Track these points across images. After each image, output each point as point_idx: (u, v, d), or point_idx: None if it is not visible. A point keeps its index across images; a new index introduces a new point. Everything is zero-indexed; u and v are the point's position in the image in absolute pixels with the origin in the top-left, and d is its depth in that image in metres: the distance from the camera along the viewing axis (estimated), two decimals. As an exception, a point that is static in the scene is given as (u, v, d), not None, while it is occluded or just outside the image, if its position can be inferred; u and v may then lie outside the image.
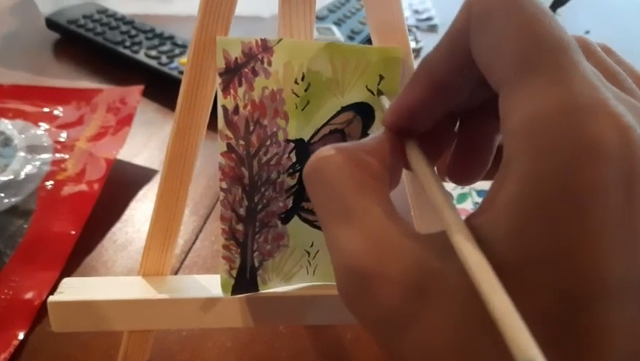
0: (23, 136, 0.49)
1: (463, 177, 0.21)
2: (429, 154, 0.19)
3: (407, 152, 0.19)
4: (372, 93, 0.26)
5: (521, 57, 0.14)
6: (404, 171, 0.27)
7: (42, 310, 0.35)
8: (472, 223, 0.14)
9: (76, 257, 0.40)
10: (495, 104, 0.15)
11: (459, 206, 0.46)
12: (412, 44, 0.25)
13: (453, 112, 0.19)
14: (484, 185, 0.48)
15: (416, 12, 0.82)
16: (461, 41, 0.16)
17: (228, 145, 0.24)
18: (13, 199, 0.43)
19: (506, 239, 0.13)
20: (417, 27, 0.78)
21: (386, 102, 0.25)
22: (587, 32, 0.76)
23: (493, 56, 0.15)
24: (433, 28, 0.78)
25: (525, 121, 0.13)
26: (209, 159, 0.35)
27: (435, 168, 0.19)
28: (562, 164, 0.12)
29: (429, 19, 0.80)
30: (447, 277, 0.14)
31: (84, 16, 0.67)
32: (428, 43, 0.72)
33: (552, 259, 0.12)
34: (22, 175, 0.45)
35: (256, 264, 0.26)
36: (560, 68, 0.13)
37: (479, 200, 0.47)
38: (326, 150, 0.17)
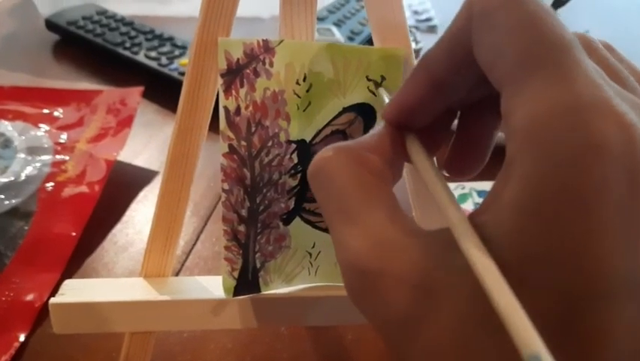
0: (23, 137, 0.49)
1: (460, 171, 0.21)
2: (428, 147, 0.19)
3: (407, 146, 0.19)
4: (374, 94, 0.26)
5: (524, 56, 0.14)
6: (406, 172, 0.27)
7: (43, 312, 0.35)
8: (475, 221, 0.14)
9: (77, 259, 0.40)
10: (494, 100, 0.15)
11: (463, 206, 0.46)
12: (412, 45, 0.25)
13: (452, 106, 0.20)
14: (485, 185, 0.48)
15: (415, 13, 0.82)
16: (462, 40, 0.16)
17: (230, 146, 0.24)
18: (13, 201, 0.43)
19: (510, 238, 0.13)
20: (416, 28, 0.78)
21: (385, 95, 0.25)
22: (587, 32, 0.76)
23: (495, 55, 0.15)
24: (432, 29, 0.78)
25: (528, 120, 0.13)
26: (209, 160, 0.35)
27: (435, 161, 0.19)
28: (565, 163, 0.12)
29: (428, 19, 0.80)
30: (452, 275, 0.14)
31: (84, 18, 0.67)
32: (428, 43, 0.72)
33: (555, 258, 0.12)
34: (23, 177, 0.45)
35: (258, 265, 0.26)
36: (562, 66, 0.13)
37: (480, 200, 0.47)
38: (328, 150, 0.18)
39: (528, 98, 0.14)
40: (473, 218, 0.15)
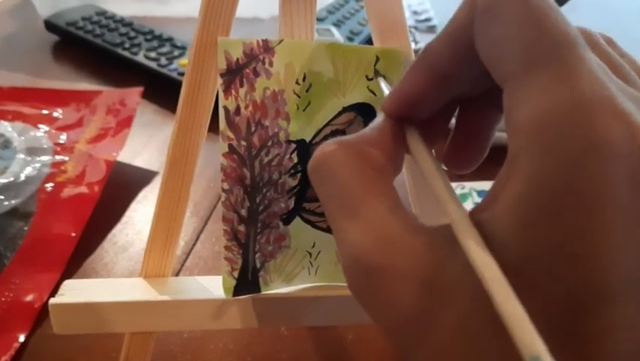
0: (23, 138, 0.49)
1: (459, 164, 0.21)
2: (427, 139, 0.18)
3: (407, 139, 0.18)
4: (374, 94, 0.26)
5: (527, 52, 0.14)
6: (406, 170, 0.27)
7: (43, 313, 0.35)
8: (476, 218, 0.14)
9: (77, 259, 0.40)
10: (496, 93, 0.15)
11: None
12: (412, 45, 0.25)
13: (453, 99, 0.19)
14: (485, 185, 0.48)
15: (415, 13, 0.82)
16: (464, 33, 0.16)
17: (230, 146, 0.24)
18: (13, 201, 0.43)
19: (511, 237, 0.13)
20: (416, 28, 0.78)
21: (384, 84, 0.24)
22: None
23: (498, 51, 0.15)
24: (432, 29, 0.78)
25: (531, 118, 0.13)
26: (209, 160, 0.35)
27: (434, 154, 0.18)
28: (568, 162, 0.12)
29: (428, 19, 0.80)
30: (456, 273, 0.14)
31: (83, 18, 0.67)
32: (427, 43, 0.72)
33: (558, 258, 0.12)
34: (22, 177, 0.45)
35: (258, 265, 0.26)
36: (566, 63, 0.13)
37: (479, 200, 0.47)
38: (329, 145, 0.17)
39: (532, 95, 0.13)
40: (474, 215, 0.14)
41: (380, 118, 0.19)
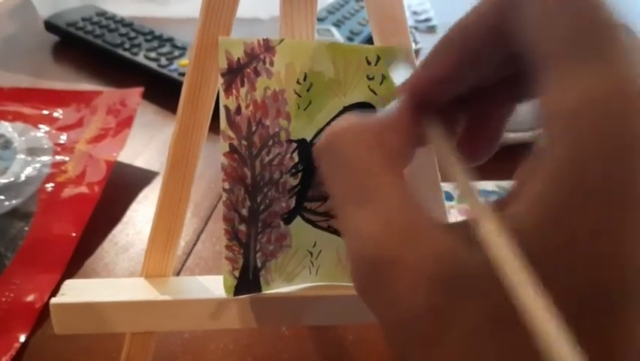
0: (23, 138, 0.49)
1: (471, 155, 0.20)
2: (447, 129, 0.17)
3: (428, 128, 0.17)
4: (374, 93, 0.26)
5: (573, 36, 0.13)
6: (406, 173, 0.27)
7: (43, 313, 0.35)
8: (499, 213, 0.13)
9: (77, 260, 0.40)
10: (513, 83, 0.14)
11: (462, 206, 0.46)
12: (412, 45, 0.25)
13: (470, 86, 0.18)
14: (486, 185, 0.47)
15: (415, 13, 0.82)
16: (502, 9, 0.15)
17: (231, 145, 0.24)
18: (13, 202, 0.43)
19: (539, 231, 0.12)
20: (416, 28, 0.78)
21: (397, 69, 0.22)
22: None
23: (539, 31, 0.14)
24: (431, 29, 0.78)
25: (571, 105, 0.12)
26: (210, 160, 0.35)
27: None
28: (606, 154, 0.12)
29: (427, 20, 0.80)
30: (473, 271, 0.13)
31: (83, 19, 0.67)
32: (427, 44, 0.72)
33: (585, 254, 0.12)
34: (23, 178, 0.45)
35: (259, 264, 0.26)
36: (614, 51, 0.12)
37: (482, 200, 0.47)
38: (341, 122, 0.16)
39: (574, 82, 0.12)
40: (497, 210, 0.14)
41: (396, 104, 0.18)
